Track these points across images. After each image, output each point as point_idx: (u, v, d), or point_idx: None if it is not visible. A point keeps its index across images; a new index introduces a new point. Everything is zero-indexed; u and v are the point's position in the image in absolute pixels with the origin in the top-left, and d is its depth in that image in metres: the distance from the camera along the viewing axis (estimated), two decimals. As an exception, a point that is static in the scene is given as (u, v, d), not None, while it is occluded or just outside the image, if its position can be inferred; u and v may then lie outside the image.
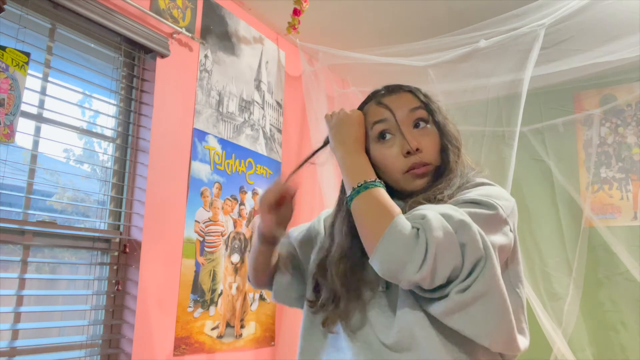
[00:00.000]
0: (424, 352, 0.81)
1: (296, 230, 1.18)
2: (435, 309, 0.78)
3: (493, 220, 0.82)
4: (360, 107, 1.02)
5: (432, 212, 0.79)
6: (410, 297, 0.84)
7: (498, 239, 0.81)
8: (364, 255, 0.93)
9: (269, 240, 1.07)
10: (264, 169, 2.52)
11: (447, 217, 0.78)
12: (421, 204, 0.87)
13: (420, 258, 0.74)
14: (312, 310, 0.97)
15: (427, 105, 0.97)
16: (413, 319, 0.83)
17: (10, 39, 1.56)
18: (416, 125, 0.95)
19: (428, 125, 0.95)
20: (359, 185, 0.87)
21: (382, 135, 0.95)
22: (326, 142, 1.04)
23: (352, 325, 0.90)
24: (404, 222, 0.79)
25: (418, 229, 0.77)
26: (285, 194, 1.03)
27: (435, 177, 0.94)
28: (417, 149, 0.92)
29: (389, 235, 0.77)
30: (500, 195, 0.88)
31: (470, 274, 0.75)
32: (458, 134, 0.99)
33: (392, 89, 1.00)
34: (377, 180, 0.88)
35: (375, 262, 0.79)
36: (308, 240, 1.13)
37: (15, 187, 1.61)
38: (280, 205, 1.03)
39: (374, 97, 1.00)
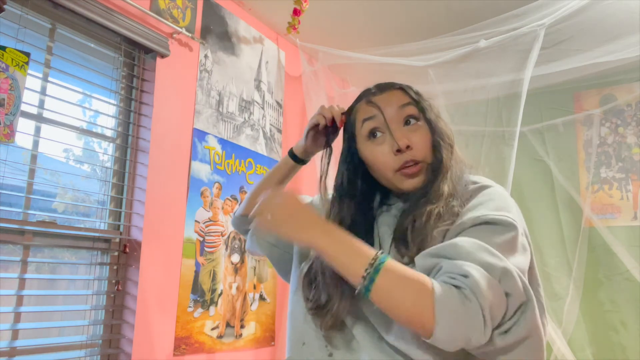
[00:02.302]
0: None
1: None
2: (476, 350, 0.77)
3: (515, 241, 0.81)
4: (352, 106, 1.02)
5: (474, 268, 0.72)
6: None
7: (523, 261, 0.81)
8: None
9: (299, 157, 1.11)
10: (264, 169, 2.52)
11: (489, 268, 0.73)
12: (433, 216, 0.84)
13: (481, 326, 0.71)
14: (313, 312, 0.95)
15: (417, 102, 0.96)
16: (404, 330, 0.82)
17: (10, 39, 1.56)
18: (406, 122, 0.94)
19: (419, 122, 0.94)
20: (368, 271, 0.74)
21: (372, 133, 0.95)
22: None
23: (348, 322, 0.89)
24: (443, 290, 0.72)
25: (461, 288, 0.72)
26: (337, 119, 1.03)
27: (430, 174, 0.93)
28: (408, 147, 0.91)
29: (441, 314, 0.70)
30: (508, 204, 0.87)
31: (512, 316, 0.76)
32: (450, 131, 0.97)
33: (383, 87, 0.99)
34: (379, 251, 0.77)
35: (439, 343, 0.72)
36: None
37: (15, 187, 1.61)
38: (327, 128, 1.05)
39: (365, 96, 1.00)
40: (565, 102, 3.07)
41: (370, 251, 0.77)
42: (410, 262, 0.84)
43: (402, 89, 0.98)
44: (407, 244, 0.86)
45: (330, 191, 1.04)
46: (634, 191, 2.85)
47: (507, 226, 0.81)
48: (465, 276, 0.72)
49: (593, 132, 2.97)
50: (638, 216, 2.81)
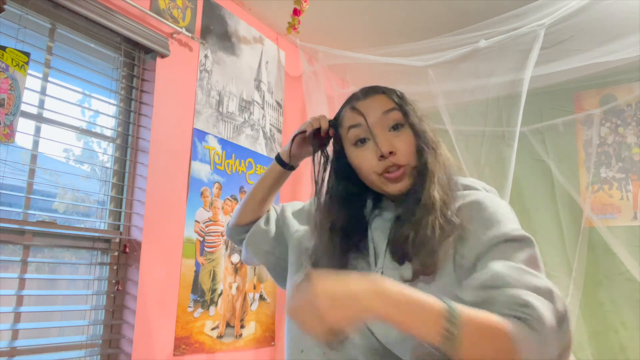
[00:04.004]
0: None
1: (290, 205, 1.21)
2: None
3: (536, 258, 0.82)
4: (339, 111, 1.03)
5: (529, 295, 0.71)
6: None
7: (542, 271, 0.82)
8: (343, 253, 0.94)
9: (286, 163, 1.12)
10: (264, 169, 2.51)
11: (537, 291, 0.73)
12: (436, 228, 0.85)
13: (554, 351, 0.72)
14: None
15: (401, 106, 0.96)
16: (397, 335, 0.83)
17: (10, 39, 1.56)
18: (390, 128, 0.95)
19: (403, 127, 0.95)
20: (448, 329, 0.67)
21: (357, 139, 0.96)
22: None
23: None
24: (517, 330, 0.68)
25: (526, 320, 0.69)
26: (327, 131, 1.04)
27: (417, 178, 0.93)
28: (391, 152, 0.92)
29: (524, 354, 0.68)
30: (511, 214, 0.89)
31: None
32: (434, 134, 0.98)
33: (367, 92, 1.00)
34: (443, 299, 0.70)
35: None
36: (300, 213, 1.16)
37: (15, 187, 1.61)
38: (317, 136, 1.05)
39: (350, 102, 1.01)
40: (565, 102, 3.07)
41: (434, 303, 0.69)
42: (414, 277, 0.84)
43: (385, 93, 0.99)
44: (405, 254, 0.88)
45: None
46: (634, 191, 2.85)
47: (527, 242, 0.83)
48: (526, 306, 0.71)
49: (593, 132, 2.97)
50: (638, 216, 2.81)
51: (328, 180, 1.02)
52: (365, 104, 0.97)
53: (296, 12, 2.25)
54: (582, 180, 2.96)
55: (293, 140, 1.09)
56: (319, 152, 1.06)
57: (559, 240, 2.89)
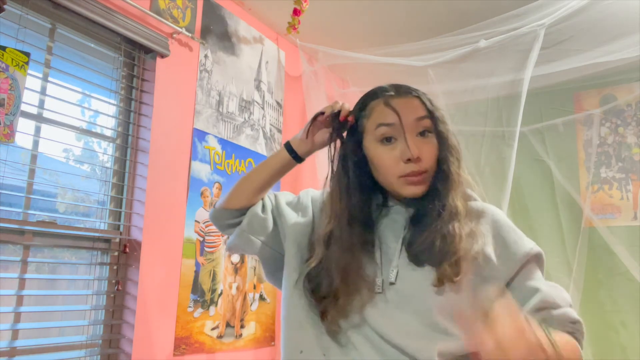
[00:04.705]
0: None
1: (282, 195, 1.15)
2: None
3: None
4: (366, 102, 0.99)
5: (574, 313, 0.91)
6: (417, 316, 0.86)
7: None
8: (361, 250, 0.94)
9: (296, 153, 1.06)
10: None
11: (570, 304, 0.93)
12: (463, 237, 0.89)
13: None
14: (312, 299, 0.94)
15: (432, 114, 0.96)
16: (417, 334, 0.85)
17: (10, 39, 1.56)
18: (418, 133, 0.94)
19: (430, 134, 0.95)
20: (553, 354, 0.86)
21: (384, 137, 0.94)
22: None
23: (351, 321, 0.89)
24: (579, 350, 0.89)
25: (576, 335, 0.90)
26: (346, 117, 1.00)
27: (440, 186, 0.94)
28: (418, 157, 0.91)
29: None
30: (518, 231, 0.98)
31: None
32: (458, 144, 0.98)
33: (401, 91, 0.98)
34: (543, 329, 0.82)
35: None
36: (295, 205, 1.11)
37: (15, 187, 1.61)
38: (336, 123, 1.01)
39: (382, 96, 0.98)
40: (565, 102, 3.07)
41: (543, 336, 0.85)
42: (440, 283, 0.86)
43: (420, 98, 0.97)
44: (427, 258, 0.89)
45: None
46: (634, 191, 2.85)
47: (542, 256, 0.96)
48: (575, 322, 0.90)
49: (593, 132, 2.97)
50: (638, 216, 2.81)
51: (343, 168, 0.99)
52: (401, 104, 0.95)
53: (296, 12, 2.25)
54: (582, 180, 2.96)
55: (313, 120, 1.03)
56: (335, 137, 1.02)
57: (559, 240, 2.89)
